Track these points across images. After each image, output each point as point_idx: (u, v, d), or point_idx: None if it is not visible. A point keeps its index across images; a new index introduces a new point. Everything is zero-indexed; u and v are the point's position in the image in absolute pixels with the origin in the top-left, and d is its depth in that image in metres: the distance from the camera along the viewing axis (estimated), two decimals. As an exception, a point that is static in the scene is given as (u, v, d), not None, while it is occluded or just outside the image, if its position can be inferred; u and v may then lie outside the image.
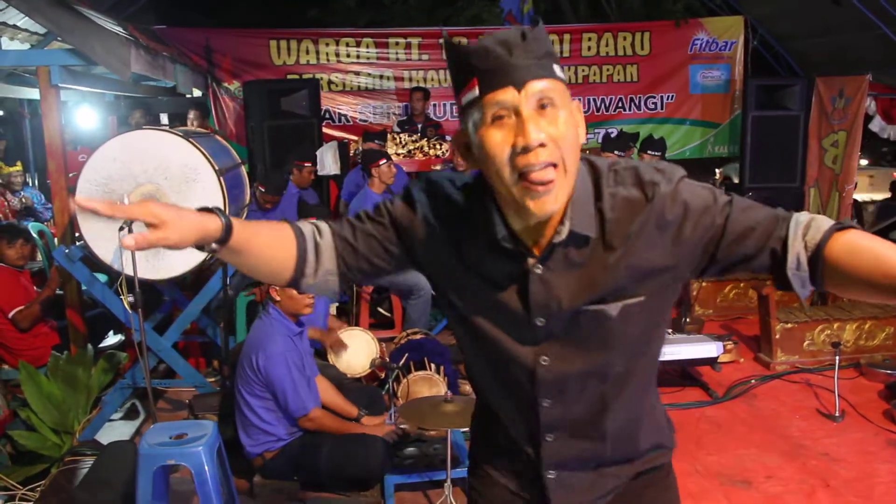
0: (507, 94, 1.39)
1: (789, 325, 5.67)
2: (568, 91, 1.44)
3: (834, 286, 1.50)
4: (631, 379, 1.65)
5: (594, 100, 9.55)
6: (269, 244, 1.56)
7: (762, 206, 1.54)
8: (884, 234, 8.77)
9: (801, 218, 1.51)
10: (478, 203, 1.54)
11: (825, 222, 1.48)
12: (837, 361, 4.96)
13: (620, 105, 9.58)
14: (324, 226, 1.61)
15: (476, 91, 1.41)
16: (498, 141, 1.40)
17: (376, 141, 7.19)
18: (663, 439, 1.82)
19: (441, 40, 1.61)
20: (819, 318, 5.77)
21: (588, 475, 1.75)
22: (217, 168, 4.51)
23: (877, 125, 8.88)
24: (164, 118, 9.81)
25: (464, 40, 1.64)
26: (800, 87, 9.41)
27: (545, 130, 1.38)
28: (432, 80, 9.19)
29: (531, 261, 1.52)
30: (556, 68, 1.43)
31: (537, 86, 1.39)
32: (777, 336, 5.70)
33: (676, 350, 5.05)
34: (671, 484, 1.87)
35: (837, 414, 4.90)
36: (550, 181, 1.39)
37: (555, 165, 1.39)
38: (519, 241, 1.52)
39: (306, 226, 1.60)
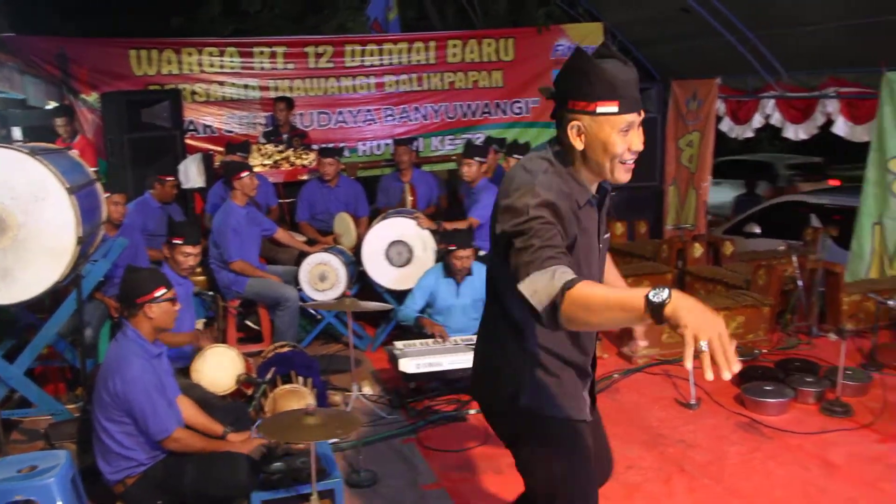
0: (633, 117, 2.23)
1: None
2: None
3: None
4: None
5: (460, 105, 9.72)
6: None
7: None
8: (740, 225, 9.27)
9: None
10: (565, 185, 2.30)
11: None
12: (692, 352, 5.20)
13: (486, 110, 9.78)
14: (563, 269, 2.05)
15: (616, 108, 2.20)
16: (620, 142, 2.24)
17: (238, 153, 7.09)
18: None
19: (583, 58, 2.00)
20: (674, 311, 6.03)
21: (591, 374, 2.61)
22: (68, 186, 4.36)
23: (726, 126, 9.37)
24: (17, 132, 9.34)
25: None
26: (657, 91, 9.83)
27: (641, 143, 2.27)
28: (298, 89, 9.14)
29: (596, 209, 2.42)
30: None
31: (643, 114, 2.28)
32: (637, 329, 5.92)
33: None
34: None
35: (693, 402, 5.16)
36: (631, 166, 2.30)
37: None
38: (594, 199, 2.41)
39: (570, 276, 2.02)
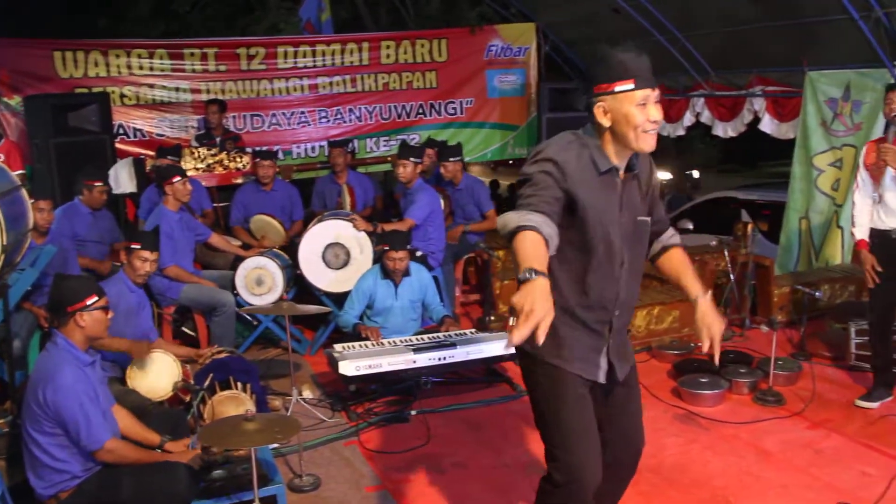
0: (648, 92, 2.55)
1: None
2: None
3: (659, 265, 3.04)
4: (642, 268, 2.89)
5: (395, 107, 9.72)
6: (544, 254, 2.35)
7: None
8: (674, 222, 9.40)
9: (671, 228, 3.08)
10: (587, 153, 2.64)
11: (677, 237, 3.04)
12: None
13: (421, 111, 9.80)
14: (534, 215, 2.41)
15: (632, 85, 2.53)
16: (639, 113, 2.54)
17: (169, 156, 6.95)
18: None
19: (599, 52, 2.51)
20: (611, 307, 6.12)
21: (623, 346, 2.87)
22: (-11, 193, 4.23)
23: (658, 124, 9.50)
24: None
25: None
26: (588, 90, 9.92)
27: (659, 114, 2.58)
28: (231, 91, 9.03)
29: (619, 183, 2.69)
30: None
31: (657, 90, 2.59)
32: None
33: (480, 348, 5.22)
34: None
35: (631, 396, 5.23)
36: (654, 135, 2.59)
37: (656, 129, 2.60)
38: (617, 168, 2.68)
39: (532, 220, 2.39)
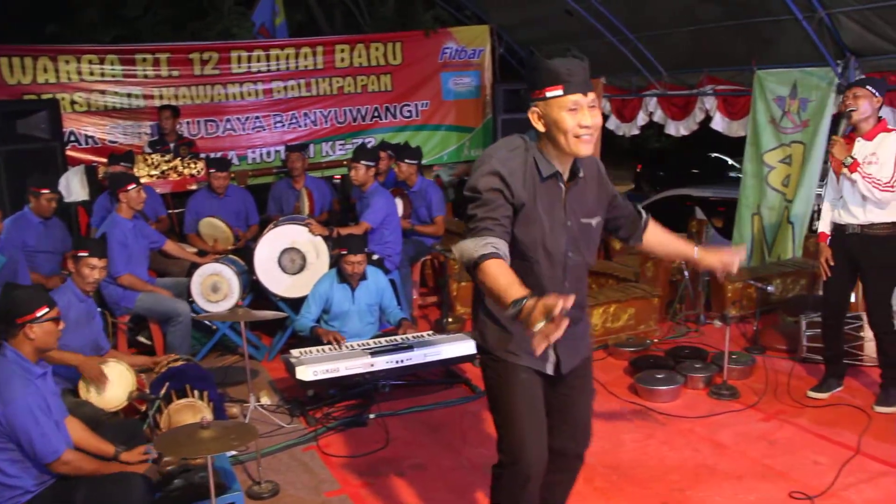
0: (578, 97, 2.58)
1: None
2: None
3: (645, 245, 3.17)
4: (588, 268, 2.96)
5: (350, 110, 9.70)
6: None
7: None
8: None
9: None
10: (531, 158, 2.68)
11: (647, 214, 3.14)
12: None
13: (376, 114, 9.80)
14: (492, 239, 2.52)
15: (561, 91, 2.57)
16: (569, 118, 2.57)
17: (122, 163, 6.86)
18: (587, 307, 3.10)
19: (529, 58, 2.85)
20: (568, 306, 6.16)
21: (574, 340, 2.88)
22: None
23: (612, 124, 9.62)
24: None
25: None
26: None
27: (593, 119, 2.60)
28: (184, 97, 8.95)
29: (563, 188, 2.74)
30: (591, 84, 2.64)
31: (592, 96, 2.61)
32: (533, 327, 6.03)
33: (438, 351, 5.23)
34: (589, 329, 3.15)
35: (589, 394, 5.28)
36: (589, 140, 2.61)
37: (592, 134, 2.61)
38: (560, 174, 2.72)
39: (493, 247, 2.49)
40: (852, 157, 4.62)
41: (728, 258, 3.02)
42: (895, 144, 4.58)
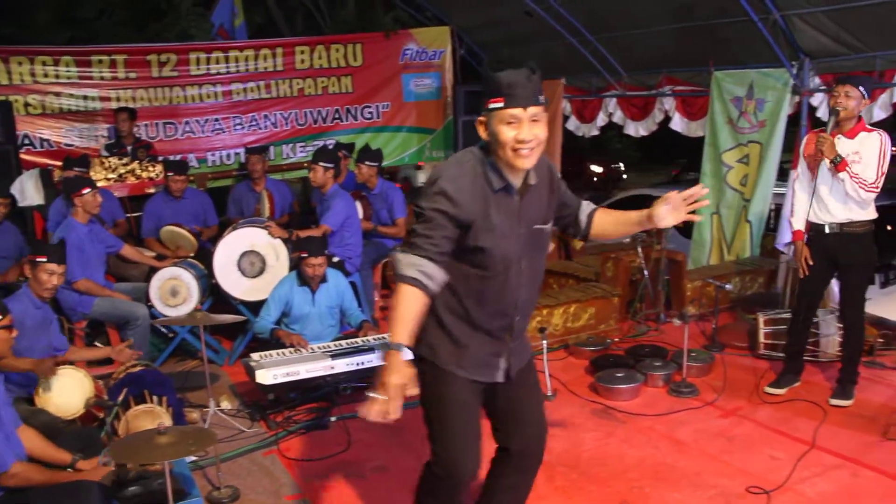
0: (518, 111, 2.58)
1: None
2: (544, 110, 2.64)
3: (595, 234, 3.11)
4: (542, 272, 3.00)
5: (311, 112, 9.64)
6: (417, 313, 2.60)
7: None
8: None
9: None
10: (481, 171, 2.69)
11: (590, 203, 3.12)
12: (545, 345, 5.38)
13: (337, 116, 9.75)
14: (421, 261, 2.59)
15: (501, 104, 2.58)
16: (507, 131, 2.59)
17: (76, 168, 6.75)
18: None
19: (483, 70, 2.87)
20: (529, 306, 6.18)
21: (521, 345, 3.01)
22: None
23: (573, 124, 9.68)
24: None
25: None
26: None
27: (533, 132, 2.59)
28: (142, 99, 8.83)
29: (514, 195, 2.74)
30: (541, 98, 2.62)
31: (533, 110, 2.59)
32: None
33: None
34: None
35: (550, 393, 5.31)
36: (528, 154, 2.61)
37: (533, 148, 2.61)
38: (511, 185, 2.73)
39: (415, 271, 2.57)
40: (841, 157, 4.61)
41: (676, 198, 2.81)
42: (877, 145, 4.61)
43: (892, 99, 6.25)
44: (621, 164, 18.76)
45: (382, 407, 2.45)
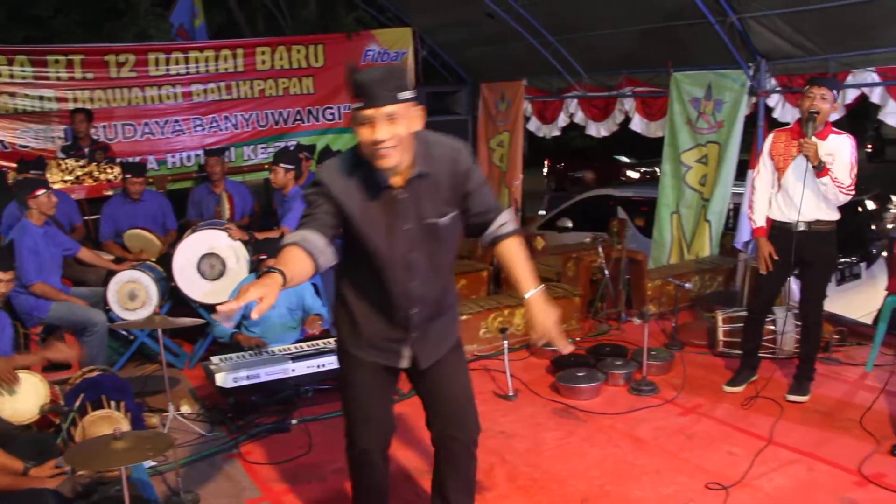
0: (371, 112, 2.56)
1: (464, 317, 6.00)
2: (411, 103, 2.62)
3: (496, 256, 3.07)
4: (448, 263, 2.98)
5: (272, 113, 9.59)
6: (300, 267, 2.60)
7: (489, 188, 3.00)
8: (554, 220, 9.65)
9: (506, 215, 2.99)
10: (361, 168, 2.72)
11: (511, 226, 2.98)
12: (506, 345, 5.40)
13: (299, 117, 9.70)
14: (303, 231, 2.68)
15: (360, 104, 2.57)
16: (364, 132, 2.60)
17: (32, 171, 6.63)
18: (454, 297, 3.14)
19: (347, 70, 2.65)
20: (491, 306, 6.21)
21: (434, 335, 3.01)
22: None
23: (534, 125, 9.73)
24: None
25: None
26: (466, 93, 10.09)
27: (390, 131, 2.57)
28: (100, 100, 8.72)
29: (396, 191, 2.74)
30: (402, 94, 2.58)
31: (388, 108, 2.56)
32: (456, 327, 6.05)
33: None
34: (457, 321, 3.22)
35: (511, 393, 5.33)
36: (387, 153, 2.59)
37: (392, 147, 2.59)
38: (389, 181, 2.72)
39: (296, 237, 2.66)
40: (824, 163, 4.61)
41: (549, 327, 2.84)
42: (849, 148, 4.67)
43: (846, 100, 6.36)
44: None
45: (232, 304, 2.36)
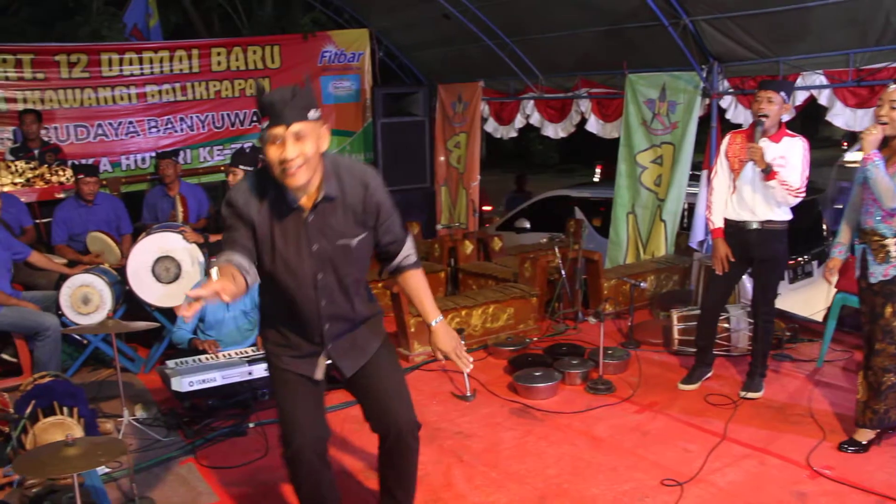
0: (279, 130, 2.59)
1: (422, 319, 6.00)
2: (318, 123, 2.66)
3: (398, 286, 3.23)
4: (359, 280, 3.03)
5: (228, 115, 9.52)
6: (239, 280, 2.59)
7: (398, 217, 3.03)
8: (512, 221, 9.70)
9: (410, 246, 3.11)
10: (269, 188, 2.75)
11: (414, 257, 3.12)
12: (463, 346, 5.39)
13: (255, 119, 9.63)
14: (227, 254, 2.69)
15: (267, 123, 2.60)
16: (272, 151, 2.62)
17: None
18: (372, 306, 3.19)
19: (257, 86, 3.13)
20: (448, 307, 6.22)
21: (352, 346, 3.09)
22: None
23: (491, 126, 9.77)
24: None
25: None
26: (423, 94, 10.08)
27: (298, 149, 2.59)
28: (51, 100, 8.56)
29: (305, 213, 2.78)
30: (310, 113, 2.62)
31: (296, 127, 2.58)
32: (412, 330, 6.06)
33: (319, 356, 5.17)
34: (381, 326, 3.25)
35: (469, 394, 5.34)
36: (295, 172, 2.61)
37: (300, 165, 2.61)
38: (297, 203, 2.76)
39: (223, 260, 2.66)
40: (771, 167, 4.67)
41: (450, 350, 3.16)
42: (801, 151, 4.72)
43: (796, 102, 6.48)
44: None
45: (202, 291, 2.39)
